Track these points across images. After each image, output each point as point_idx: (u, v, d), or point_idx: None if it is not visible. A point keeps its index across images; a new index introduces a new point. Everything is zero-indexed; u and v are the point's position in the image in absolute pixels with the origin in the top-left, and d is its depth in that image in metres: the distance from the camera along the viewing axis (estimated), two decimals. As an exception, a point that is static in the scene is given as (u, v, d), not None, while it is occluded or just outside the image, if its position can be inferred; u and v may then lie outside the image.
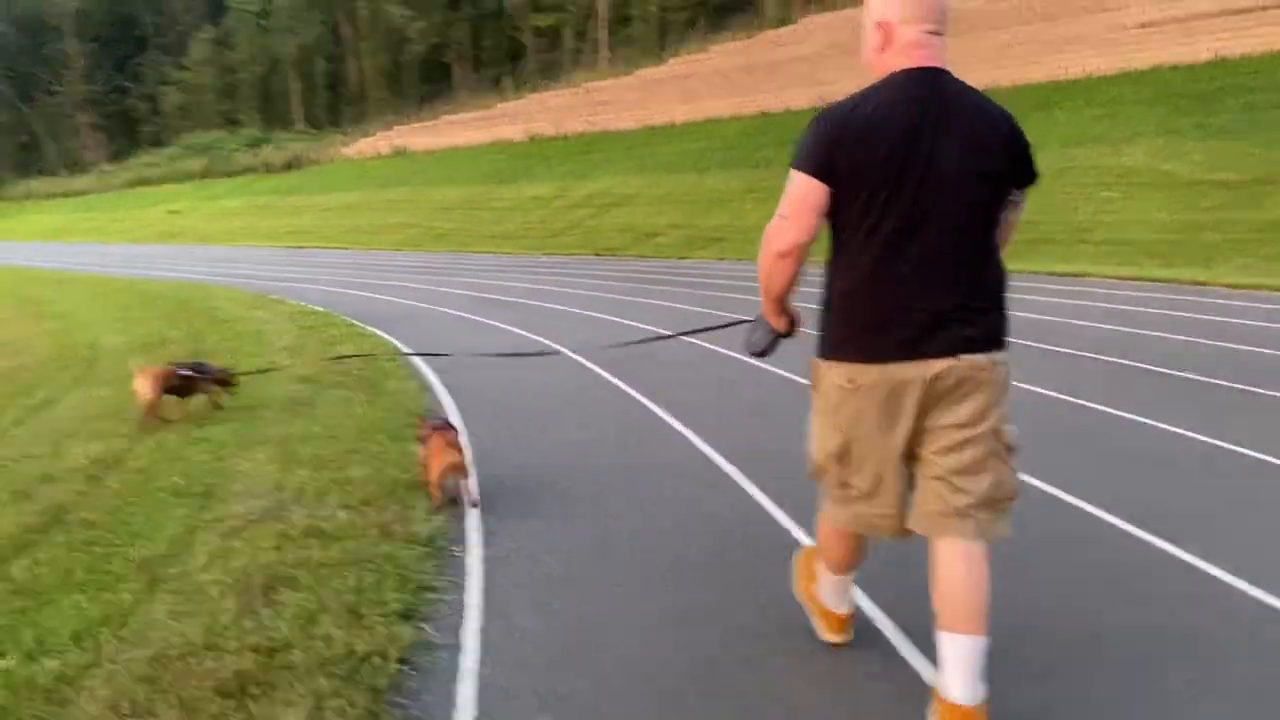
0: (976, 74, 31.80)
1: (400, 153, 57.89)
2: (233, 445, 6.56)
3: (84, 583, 4.30)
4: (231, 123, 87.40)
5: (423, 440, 5.44)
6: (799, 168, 2.74)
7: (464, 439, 5.94)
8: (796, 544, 4.46)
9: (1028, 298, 13.55)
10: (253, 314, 14.68)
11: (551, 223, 34.37)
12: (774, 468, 5.69)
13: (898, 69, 2.73)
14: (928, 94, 2.69)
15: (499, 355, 10.06)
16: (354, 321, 13.56)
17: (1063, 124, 26.78)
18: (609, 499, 5.39)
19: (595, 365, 9.49)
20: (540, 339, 11.42)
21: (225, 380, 7.83)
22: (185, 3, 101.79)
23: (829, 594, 3.43)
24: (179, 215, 61.70)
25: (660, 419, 7.21)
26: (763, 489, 5.39)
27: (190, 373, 7.53)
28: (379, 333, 12.41)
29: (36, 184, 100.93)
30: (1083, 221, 21.40)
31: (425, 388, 8.83)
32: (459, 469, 5.18)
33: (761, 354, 3.27)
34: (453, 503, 5.21)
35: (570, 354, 10.12)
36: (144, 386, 7.26)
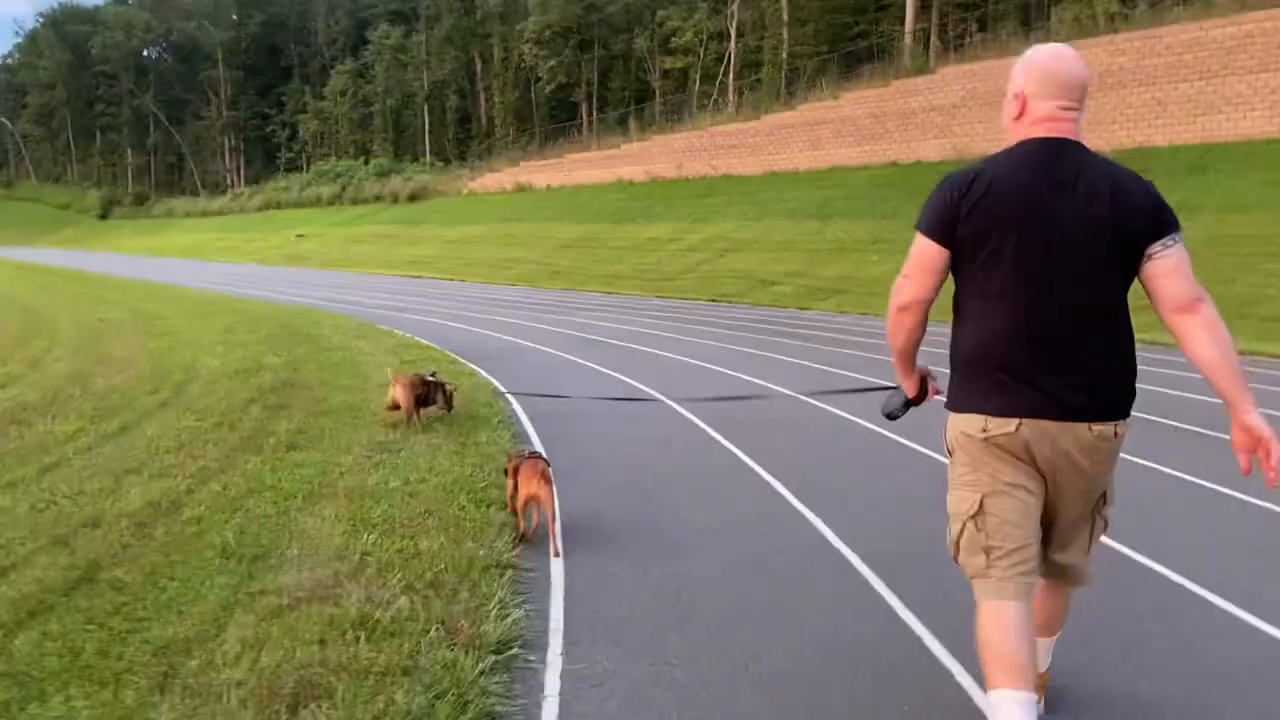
0: (1124, 132, 30.07)
1: (523, 189, 58.35)
2: (299, 497, 5.85)
3: (87, 670, 3.57)
4: (364, 152, 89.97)
5: (511, 473, 5.28)
6: (921, 229, 2.88)
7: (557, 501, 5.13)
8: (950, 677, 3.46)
9: (1185, 374, 12.10)
10: (356, 343, 14.25)
11: (667, 265, 33.71)
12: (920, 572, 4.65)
13: (1030, 138, 2.83)
14: (1054, 160, 2.77)
15: (609, 399, 9.23)
16: (457, 357, 12.95)
17: (1220, 188, 24.87)
18: (734, 619, 4.32)
19: (709, 425, 8.55)
20: (649, 389, 10.55)
21: (449, 390, 8.38)
22: (329, 35, 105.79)
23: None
24: (306, 240, 63.37)
25: (790, 505, 6.19)
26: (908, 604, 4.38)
27: (433, 379, 8.23)
28: (480, 371, 11.74)
29: (178, 203, 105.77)
30: (1244, 294, 19.59)
31: (518, 436, 8.02)
32: (539, 500, 4.98)
33: (891, 417, 3.42)
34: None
35: (682, 410, 9.20)
36: (401, 396, 7.88)
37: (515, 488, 5.17)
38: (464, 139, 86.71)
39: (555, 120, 73.71)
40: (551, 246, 41.81)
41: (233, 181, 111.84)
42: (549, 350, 14.33)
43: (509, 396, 9.90)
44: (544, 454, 5.51)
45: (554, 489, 5.08)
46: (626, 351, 14.34)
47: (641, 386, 10.72)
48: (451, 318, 19.75)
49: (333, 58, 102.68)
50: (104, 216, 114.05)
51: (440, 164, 79.36)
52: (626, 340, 15.88)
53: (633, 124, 59.57)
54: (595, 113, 71.06)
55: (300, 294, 27.29)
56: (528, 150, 68.31)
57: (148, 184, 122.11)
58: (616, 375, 11.62)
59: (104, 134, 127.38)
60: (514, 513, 5.23)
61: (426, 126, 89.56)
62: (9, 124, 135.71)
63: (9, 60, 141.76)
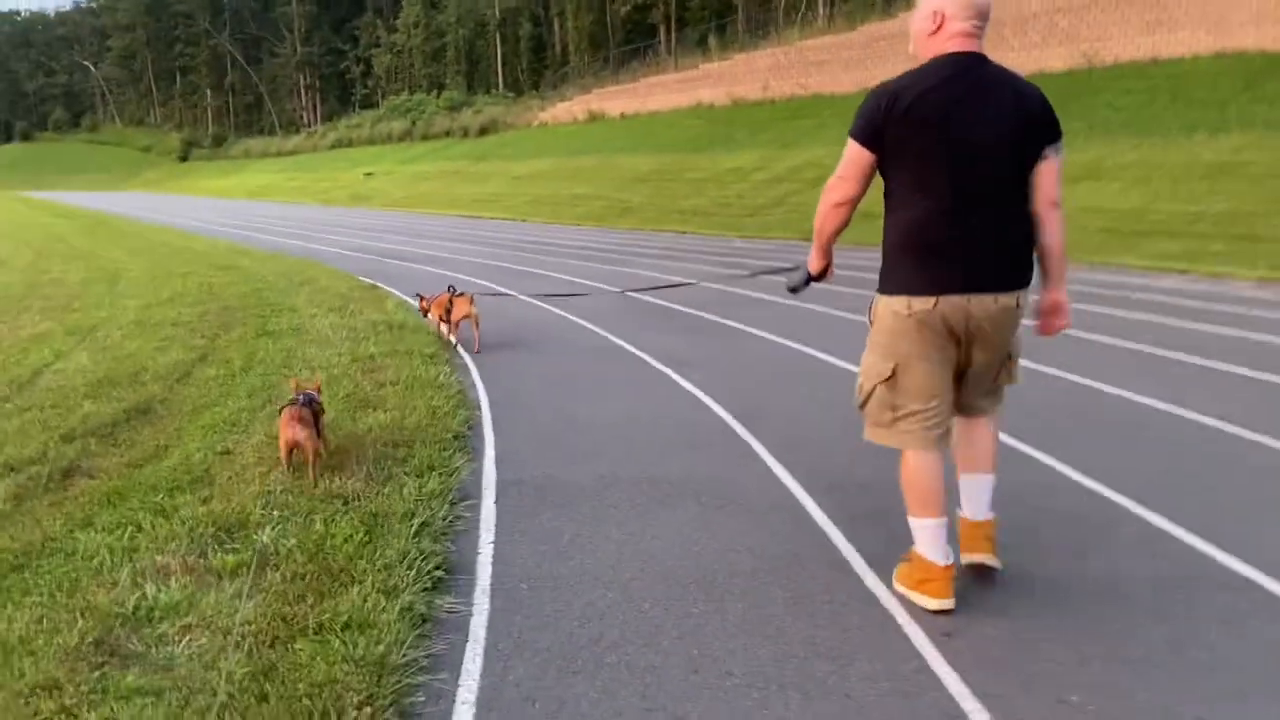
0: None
1: (596, 118, 54.23)
2: None
3: None
4: (436, 87, 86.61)
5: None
6: (853, 135, 3.40)
7: None
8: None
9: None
10: (332, 308, 10.83)
11: (751, 198, 29.59)
12: None
13: (944, 53, 3.33)
14: (967, 71, 3.29)
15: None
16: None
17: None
18: None
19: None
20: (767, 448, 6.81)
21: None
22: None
23: (927, 544, 3.51)
24: (373, 178, 60.54)
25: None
26: None
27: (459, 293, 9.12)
28: (471, 362, 8.09)
29: (254, 143, 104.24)
30: None
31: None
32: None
33: (794, 290, 3.92)
34: None
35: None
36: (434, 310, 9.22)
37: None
38: (537, 68, 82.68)
39: (632, 44, 68.98)
40: (623, 180, 37.88)
41: (308, 120, 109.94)
42: (595, 329, 10.61)
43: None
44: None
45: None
46: (716, 331, 10.57)
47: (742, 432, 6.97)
48: (488, 272, 16.15)
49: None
50: (184, 159, 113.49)
51: (511, 95, 75.48)
52: (712, 310, 12.11)
53: (713, 42, 54.68)
54: (674, 33, 66.11)
55: (332, 241, 24.02)
56: (601, 77, 64.01)
57: (226, 125, 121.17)
58: (704, 398, 7.86)
59: (183, 75, 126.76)
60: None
61: (499, 56, 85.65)
62: (93, 68, 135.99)
63: (91, 4, 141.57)
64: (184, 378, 7.54)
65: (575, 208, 35.06)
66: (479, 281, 14.03)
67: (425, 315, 9.55)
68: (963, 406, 3.62)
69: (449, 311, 9.10)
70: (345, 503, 4.69)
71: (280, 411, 5.21)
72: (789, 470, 5.25)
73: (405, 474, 5.10)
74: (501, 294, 12.82)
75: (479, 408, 6.81)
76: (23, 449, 5.56)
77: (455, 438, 5.92)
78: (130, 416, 6.37)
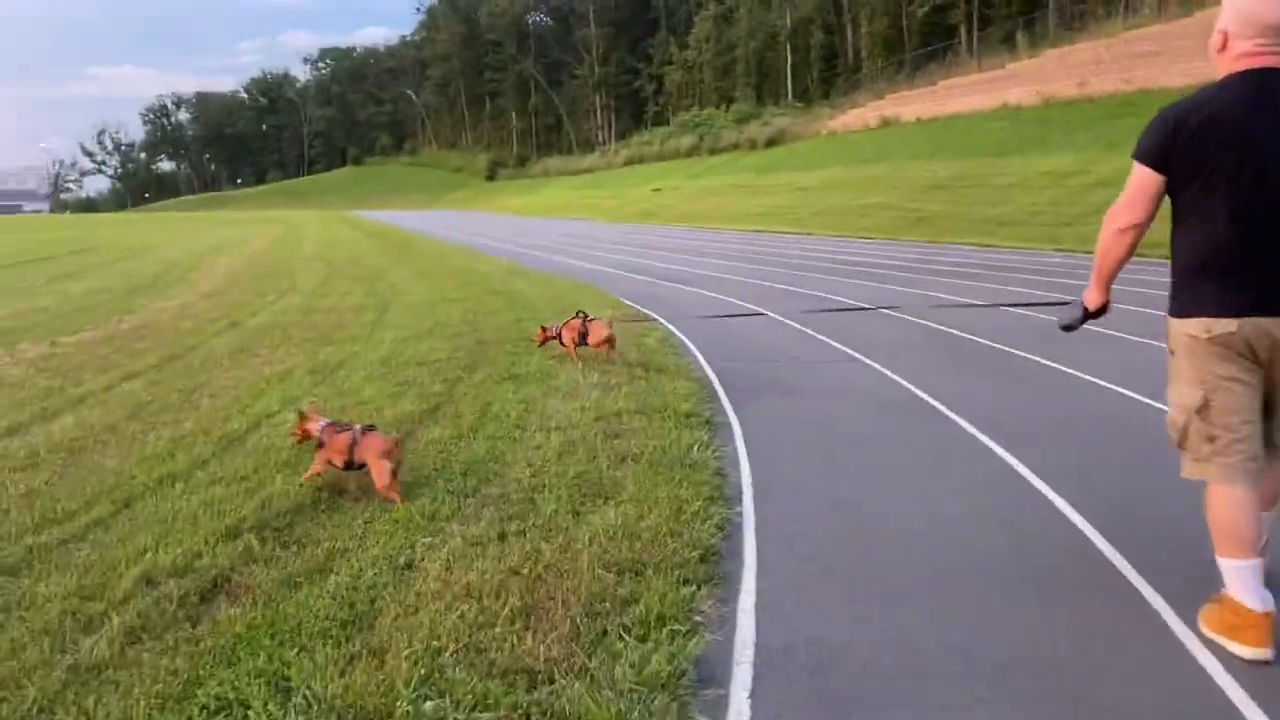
0: None
1: (889, 123, 51.40)
2: None
3: None
4: (726, 100, 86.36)
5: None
6: (1139, 159, 3.35)
7: None
8: None
9: None
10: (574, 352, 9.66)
11: (1067, 206, 26.24)
12: None
13: (1235, 71, 3.21)
14: (1257, 90, 3.14)
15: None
16: (722, 394, 7.82)
17: None
18: None
19: None
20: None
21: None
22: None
23: (1240, 587, 3.29)
24: (661, 193, 60.76)
25: None
26: None
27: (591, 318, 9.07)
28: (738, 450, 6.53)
29: (553, 162, 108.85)
30: None
31: None
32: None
33: (1068, 329, 3.80)
34: None
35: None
36: (567, 334, 9.05)
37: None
38: (828, 77, 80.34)
39: (929, 46, 65.21)
40: (917, 188, 35.22)
41: (602, 139, 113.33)
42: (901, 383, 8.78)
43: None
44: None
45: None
46: (1033, 374, 8.49)
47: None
48: (759, 296, 14.58)
49: (697, 4, 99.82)
50: (490, 178, 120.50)
51: (801, 105, 73.68)
52: (1023, 344, 9.95)
53: (1020, 39, 50.36)
54: (975, 32, 61.79)
55: (613, 260, 23.37)
56: (895, 81, 60.88)
57: (529, 145, 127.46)
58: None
59: (492, 100, 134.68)
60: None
61: (789, 67, 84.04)
62: (414, 96, 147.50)
63: (414, 38, 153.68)
64: (405, 438, 6.44)
65: (864, 219, 32.91)
66: (748, 305, 12.50)
67: (543, 345, 9.38)
68: (1266, 443, 3.38)
69: (584, 336, 8.98)
70: (531, 684, 3.24)
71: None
72: (1232, 671, 3.26)
73: (624, 634, 3.58)
74: (775, 319, 11.19)
75: (739, 500, 5.21)
76: (176, 548, 4.54)
77: (703, 557, 4.35)
78: (320, 500, 5.27)
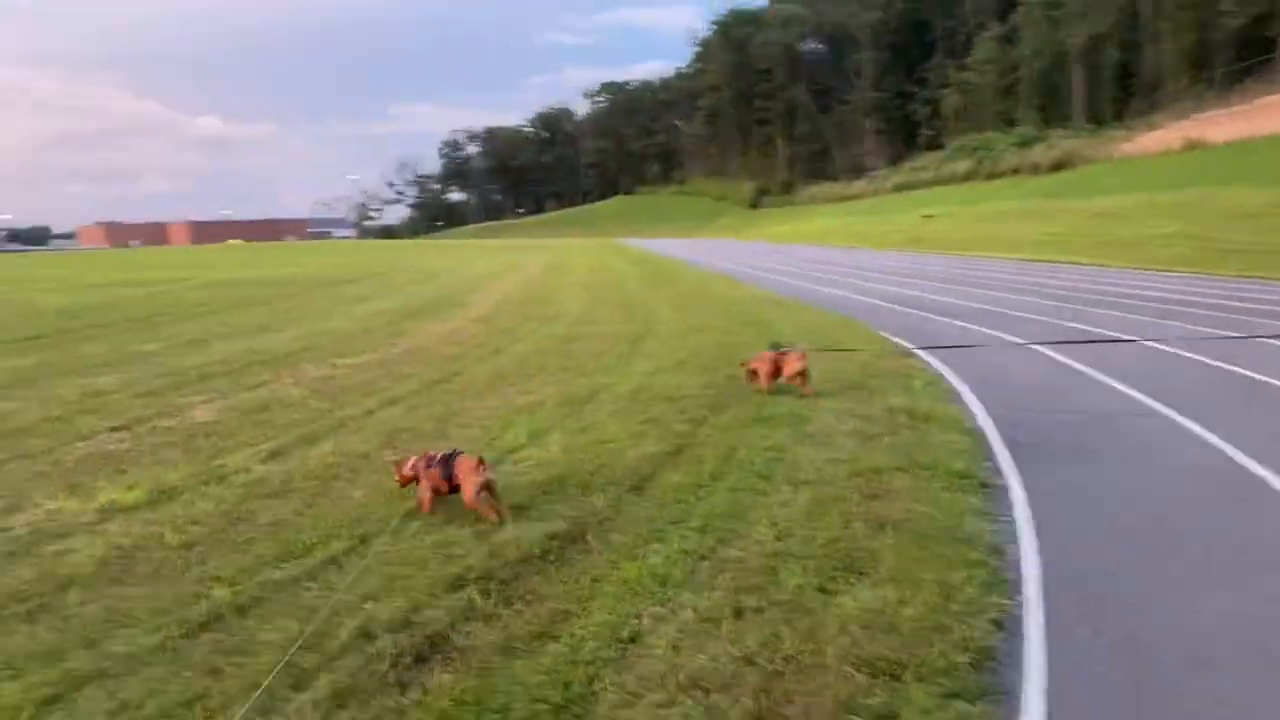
0: None
1: (1194, 146, 46.86)
2: None
3: None
4: (1006, 123, 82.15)
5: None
6: None
7: None
8: None
9: None
10: (849, 384, 8.96)
11: None
12: None
13: None
14: None
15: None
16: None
17: None
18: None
19: None
20: None
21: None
22: (976, 2, 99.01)
23: None
24: (932, 220, 58.43)
25: None
26: None
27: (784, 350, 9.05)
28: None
29: (819, 189, 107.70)
30: None
31: None
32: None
33: None
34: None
35: None
36: (760, 367, 9.01)
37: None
38: (1121, 97, 74.62)
39: (1243, 61, 59.05)
40: (1223, 217, 31.70)
41: (872, 165, 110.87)
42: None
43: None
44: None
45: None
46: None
47: None
48: (1048, 335, 13.28)
49: (978, 25, 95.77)
50: (754, 206, 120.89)
51: (1091, 127, 68.79)
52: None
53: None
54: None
55: (877, 290, 22.36)
56: (1201, 100, 55.53)
57: (795, 172, 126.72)
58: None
59: (759, 127, 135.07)
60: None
61: (1079, 87, 78.77)
62: (683, 127, 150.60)
63: (686, 70, 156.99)
64: (643, 485, 6.07)
65: (1159, 249, 29.95)
66: (1028, 344, 11.30)
67: (751, 381, 9.18)
68: None
69: (778, 368, 8.96)
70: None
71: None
72: None
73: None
74: (1058, 361, 10.00)
75: (1019, 591, 4.42)
76: (400, 597, 4.34)
77: (975, 663, 3.65)
78: (551, 549, 4.96)
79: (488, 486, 5.49)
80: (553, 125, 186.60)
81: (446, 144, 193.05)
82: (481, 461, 5.51)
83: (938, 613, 4.05)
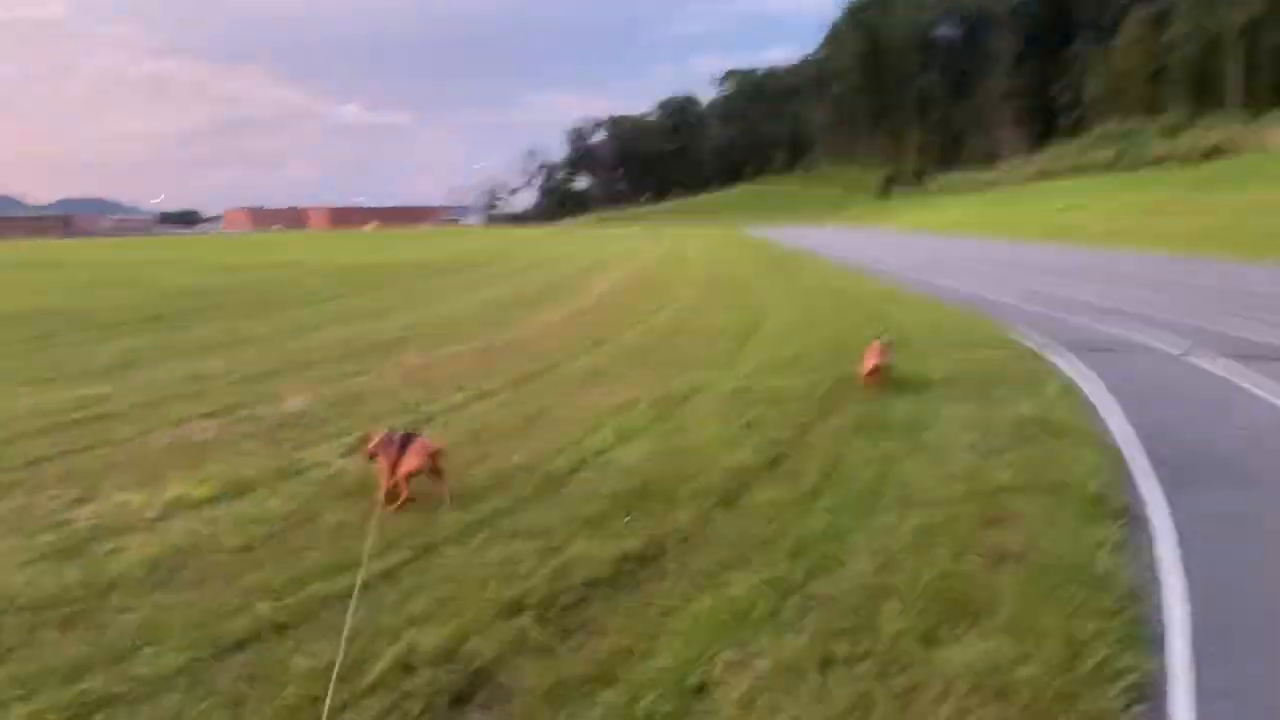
0: None
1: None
2: None
3: None
4: (1153, 110, 77.89)
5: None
6: None
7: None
8: None
9: None
10: (972, 389, 8.23)
11: None
12: None
13: None
14: None
15: None
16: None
17: None
18: None
19: None
20: None
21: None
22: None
23: None
24: (1070, 212, 55.80)
25: None
26: None
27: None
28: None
29: (952, 177, 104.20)
30: None
31: None
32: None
33: None
34: None
35: None
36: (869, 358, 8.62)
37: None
38: (1283, 82, 69.78)
39: None
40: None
41: (1007, 153, 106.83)
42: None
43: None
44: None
45: None
46: None
47: None
48: (1201, 339, 12.16)
49: (1125, 7, 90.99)
50: (883, 194, 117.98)
51: (1246, 114, 64.55)
52: None
53: None
54: None
55: (1010, 287, 21.15)
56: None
57: (926, 160, 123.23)
58: None
59: (890, 114, 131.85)
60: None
61: (1236, 72, 74.02)
62: (811, 114, 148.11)
63: (815, 56, 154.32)
64: (733, 499, 5.55)
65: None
66: (1178, 349, 10.25)
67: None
68: None
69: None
70: None
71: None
72: None
73: None
74: (1211, 371, 8.99)
75: (1164, 649, 3.74)
76: (449, 622, 3.93)
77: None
78: (622, 573, 4.49)
79: (434, 471, 5.56)
80: (678, 113, 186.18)
81: (573, 132, 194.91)
82: (437, 451, 5.58)
83: (1061, 674, 3.42)
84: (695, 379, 9.37)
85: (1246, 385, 8.87)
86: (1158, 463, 6.23)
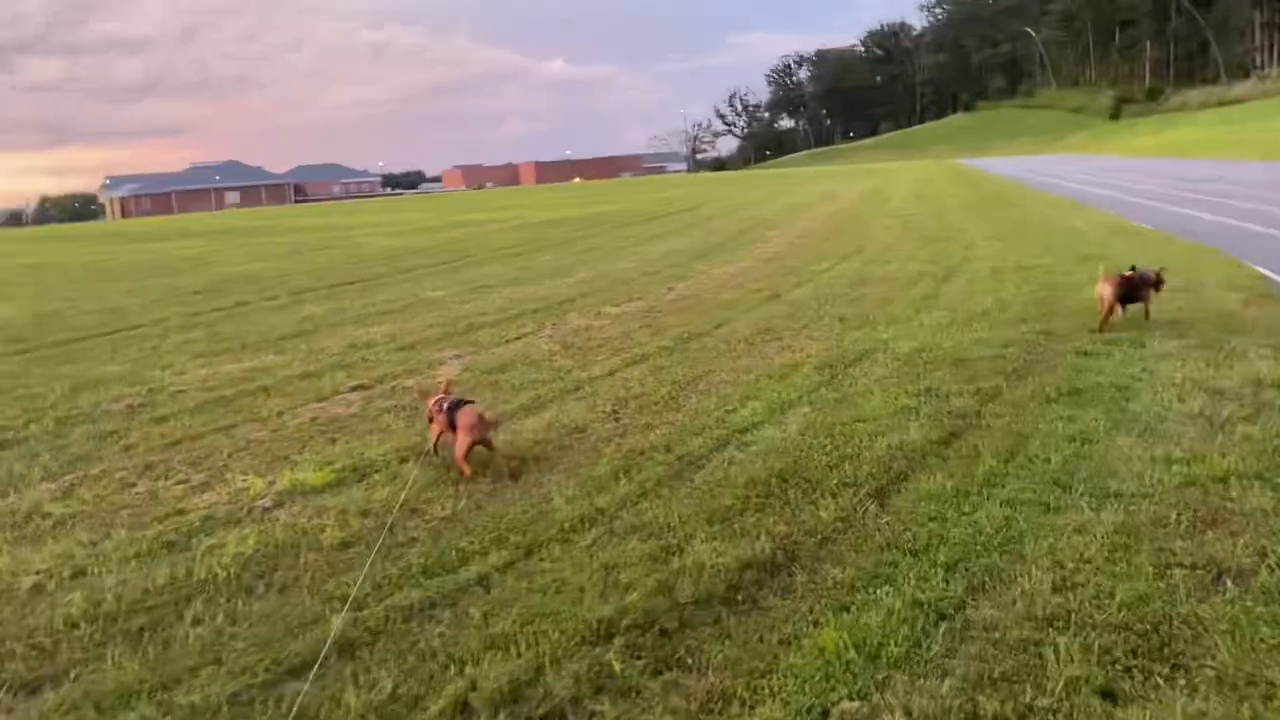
0: None
1: None
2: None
3: None
4: None
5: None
6: None
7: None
8: None
9: None
10: (1203, 341, 6.99)
11: None
12: None
13: None
14: None
15: None
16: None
17: None
18: None
19: None
20: None
21: (1159, 282, 8.11)
22: None
23: None
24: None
25: None
26: None
27: (1134, 275, 8.06)
28: None
29: (1193, 94, 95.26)
30: None
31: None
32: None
33: None
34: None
35: None
36: (1105, 291, 7.94)
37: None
38: None
39: None
40: None
41: (1261, 63, 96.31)
42: None
43: None
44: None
45: None
46: None
47: None
48: None
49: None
50: (1115, 116, 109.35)
51: None
52: None
53: None
54: None
55: (1254, 210, 18.68)
56: None
57: (1164, 77, 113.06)
58: None
59: (1123, 29, 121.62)
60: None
61: None
62: (1034, 34, 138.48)
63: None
64: (890, 488, 4.76)
65: None
66: None
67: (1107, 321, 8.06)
68: None
69: (1130, 293, 8.12)
70: None
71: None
72: None
73: None
74: None
75: None
76: (527, 651, 3.39)
77: None
78: (741, 585, 3.83)
79: (485, 443, 5.35)
80: (887, 43, 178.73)
81: (775, 71, 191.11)
82: (482, 417, 5.34)
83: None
84: (872, 337, 8.48)
85: None
86: None
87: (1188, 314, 8.49)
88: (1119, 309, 8.04)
